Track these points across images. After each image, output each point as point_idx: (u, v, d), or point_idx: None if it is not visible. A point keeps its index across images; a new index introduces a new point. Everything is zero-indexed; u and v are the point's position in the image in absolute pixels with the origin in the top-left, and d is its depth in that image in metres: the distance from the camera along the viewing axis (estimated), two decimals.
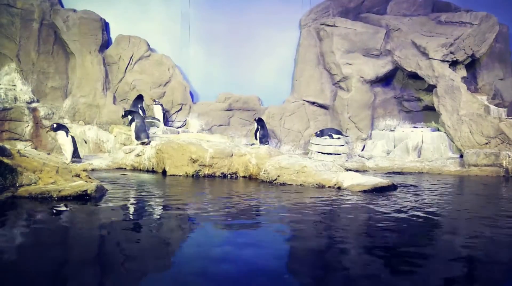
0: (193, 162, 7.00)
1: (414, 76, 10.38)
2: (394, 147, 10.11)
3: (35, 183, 4.43)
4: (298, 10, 11.59)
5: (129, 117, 8.47)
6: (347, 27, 10.79)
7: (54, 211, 3.80)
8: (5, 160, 4.41)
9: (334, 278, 2.60)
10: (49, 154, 7.73)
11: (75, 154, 7.75)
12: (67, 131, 7.79)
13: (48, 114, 9.58)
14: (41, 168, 4.65)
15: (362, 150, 10.54)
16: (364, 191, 5.73)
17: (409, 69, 10.20)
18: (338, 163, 7.84)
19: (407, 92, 11.03)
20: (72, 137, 7.83)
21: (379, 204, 4.85)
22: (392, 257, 3.01)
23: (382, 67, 10.65)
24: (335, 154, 9.57)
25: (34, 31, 9.96)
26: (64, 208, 3.90)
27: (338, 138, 9.88)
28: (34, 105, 9.54)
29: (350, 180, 6.09)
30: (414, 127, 10.49)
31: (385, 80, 11.07)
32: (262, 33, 11.47)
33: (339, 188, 6.04)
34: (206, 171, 7.01)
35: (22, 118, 9.13)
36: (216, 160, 7.04)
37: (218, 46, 11.44)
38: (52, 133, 7.90)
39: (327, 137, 9.82)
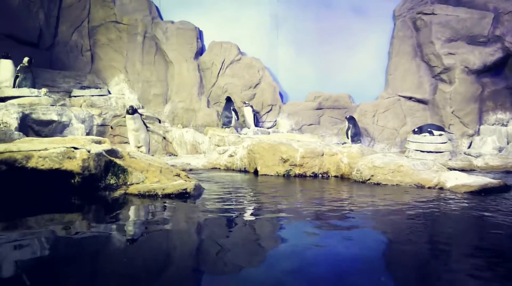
0: (284, 161, 7.04)
1: None
2: (508, 144, 9.02)
3: (143, 182, 4.85)
4: (391, 1, 11.00)
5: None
6: (447, 14, 9.93)
7: (161, 207, 4.13)
8: (118, 161, 4.91)
9: (435, 283, 2.39)
10: (153, 155, 8.42)
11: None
12: (141, 115, 7.41)
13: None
14: (147, 168, 5.08)
15: (469, 147, 9.60)
16: (471, 192, 5.18)
17: None
18: (440, 162, 7.23)
19: None
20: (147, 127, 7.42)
21: (488, 207, 4.35)
22: (503, 265, 2.66)
23: (490, 55, 9.60)
24: (436, 152, 8.85)
25: (138, 43, 10.98)
26: (168, 205, 4.21)
27: (440, 134, 9.13)
28: (139, 111, 10.52)
29: (454, 180, 5.57)
30: None
31: (494, 69, 9.94)
32: (352, 27, 11.13)
33: (441, 188, 5.55)
34: (297, 170, 6.99)
35: None
36: (307, 159, 6.99)
37: (306, 44, 11.39)
38: (128, 117, 7.29)
39: (427, 134, 9.14)
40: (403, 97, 10.57)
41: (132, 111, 7.27)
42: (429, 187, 5.67)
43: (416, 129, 9.42)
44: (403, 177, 5.95)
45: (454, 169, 6.75)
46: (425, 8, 10.30)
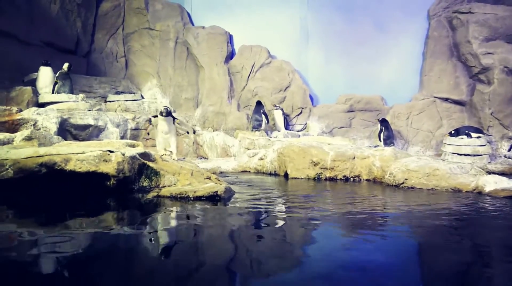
0: (314, 165, 6.97)
1: None
2: None
3: (175, 184, 4.94)
4: (424, 1, 10.73)
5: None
6: (485, 12, 9.56)
7: (192, 209, 4.19)
8: (151, 164, 5.02)
9: None
10: (184, 158, 8.55)
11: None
12: (174, 119, 6.99)
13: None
14: (179, 171, 5.17)
15: (509, 150, 9.16)
16: (511, 197, 4.96)
17: None
18: (478, 165, 6.95)
19: None
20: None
21: None
22: None
23: None
24: (474, 155, 8.51)
25: (170, 49, 11.22)
26: (199, 207, 4.26)
27: (478, 137, 8.77)
28: (174, 115, 10.72)
29: (494, 184, 5.33)
30: None
31: None
32: (384, 28, 10.92)
33: (479, 193, 5.33)
34: (328, 174, 6.90)
35: None
36: (338, 163, 6.89)
37: (337, 46, 11.27)
38: (161, 118, 6.74)
39: (464, 136, 8.80)
40: (439, 98, 10.24)
41: (166, 113, 6.80)
42: (466, 192, 5.45)
43: (453, 132, 9.09)
44: (439, 181, 5.75)
45: (494, 173, 6.46)
46: (461, 7, 9.95)
